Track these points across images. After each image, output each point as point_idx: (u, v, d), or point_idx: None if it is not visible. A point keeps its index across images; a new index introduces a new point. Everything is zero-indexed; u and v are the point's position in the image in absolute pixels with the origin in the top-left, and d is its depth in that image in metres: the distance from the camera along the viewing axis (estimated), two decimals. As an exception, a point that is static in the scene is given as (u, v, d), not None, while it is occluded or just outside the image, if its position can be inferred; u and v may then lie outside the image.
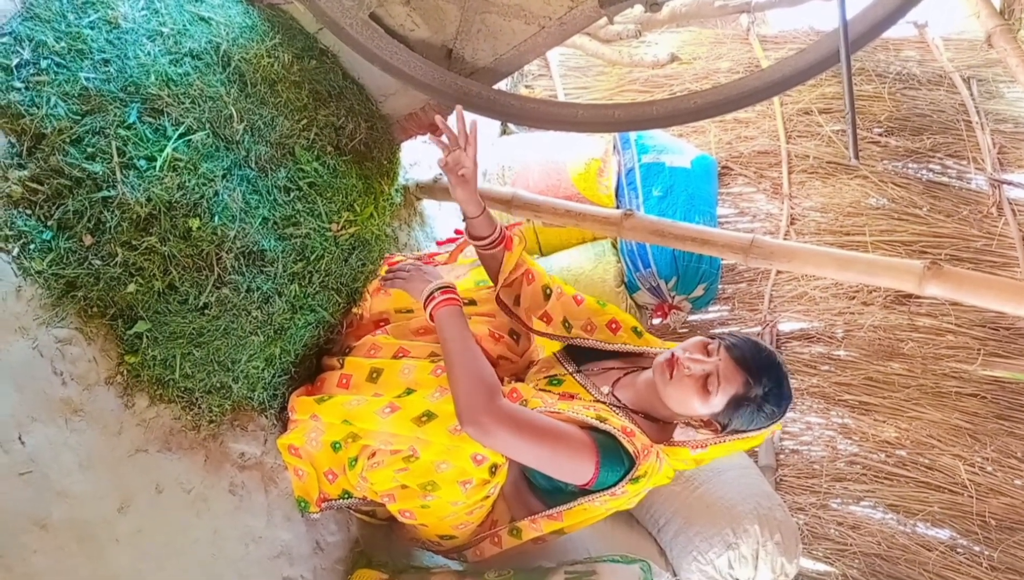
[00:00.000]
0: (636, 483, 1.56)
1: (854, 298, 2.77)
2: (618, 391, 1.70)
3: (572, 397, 1.68)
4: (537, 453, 1.49)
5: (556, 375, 1.76)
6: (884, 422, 2.71)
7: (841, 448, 2.80)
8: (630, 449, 1.54)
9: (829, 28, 1.46)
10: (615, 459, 1.53)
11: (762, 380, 1.54)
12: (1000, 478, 2.53)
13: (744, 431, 1.60)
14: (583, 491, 1.58)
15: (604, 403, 1.66)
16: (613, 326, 1.82)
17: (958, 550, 2.58)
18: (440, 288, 1.62)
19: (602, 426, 1.55)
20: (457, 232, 2.10)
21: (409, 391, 1.56)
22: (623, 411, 1.64)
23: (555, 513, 1.66)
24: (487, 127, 3.07)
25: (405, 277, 1.74)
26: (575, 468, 1.52)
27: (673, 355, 1.59)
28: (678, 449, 1.66)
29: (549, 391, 1.70)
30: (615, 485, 1.54)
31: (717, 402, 1.54)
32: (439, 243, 2.22)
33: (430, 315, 1.61)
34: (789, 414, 2.87)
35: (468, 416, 1.45)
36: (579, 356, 1.82)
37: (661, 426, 1.67)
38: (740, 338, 1.60)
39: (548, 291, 1.83)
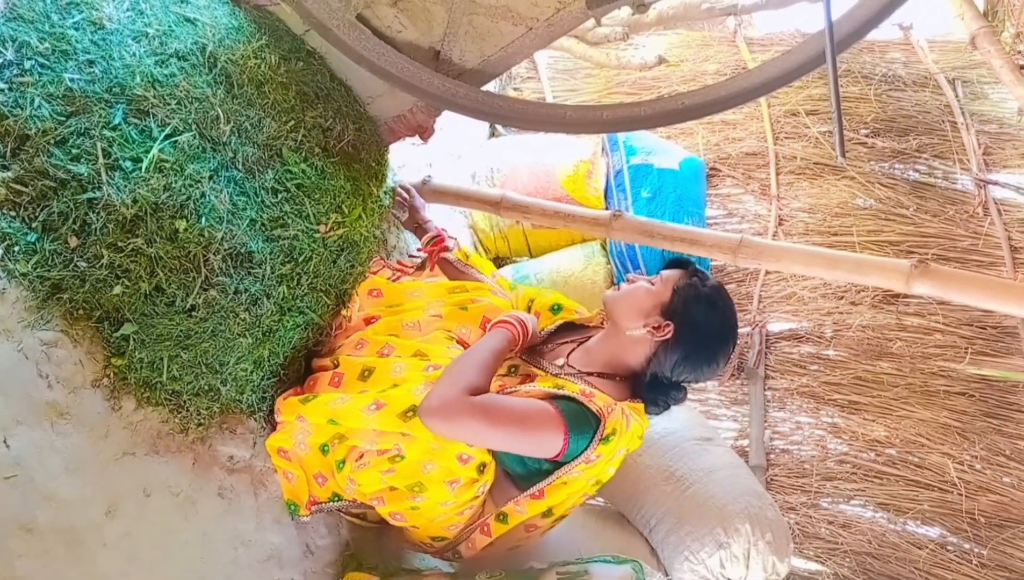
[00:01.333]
0: (607, 443, 1.57)
1: (843, 298, 2.78)
2: (572, 361, 1.75)
3: (531, 378, 1.71)
4: (504, 435, 1.50)
5: (512, 364, 1.79)
6: (873, 421, 2.72)
7: (831, 447, 2.80)
8: (592, 408, 1.57)
9: (815, 30, 1.47)
10: (581, 422, 1.56)
11: (702, 275, 1.70)
12: (989, 475, 2.54)
13: (693, 351, 1.65)
14: (556, 464, 1.59)
15: (561, 376, 1.70)
16: (555, 309, 1.91)
17: (948, 548, 2.59)
18: (522, 319, 1.73)
19: (561, 392, 1.59)
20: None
21: (395, 386, 1.56)
22: (579, 377, 1.69)
23: (536, 491, 1.65)
24: (475, 130, 3.07)
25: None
26: (545, 441, 1.54)
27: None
28: (638, 404, 1.68)
29: (508, 377, 1.73)
30: (586, 449, 1.56)
31: (661, 288, 1.68)
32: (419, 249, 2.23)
33: (494, 322, 1.73)
34: (779, 414, 2.89)
35: (432, 405, 1.46)
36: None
37: (620, 383, 1.71)
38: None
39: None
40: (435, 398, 1.47)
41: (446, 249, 2.03)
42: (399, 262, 2.08)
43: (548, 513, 1.71)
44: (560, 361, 1.76)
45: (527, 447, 1.57)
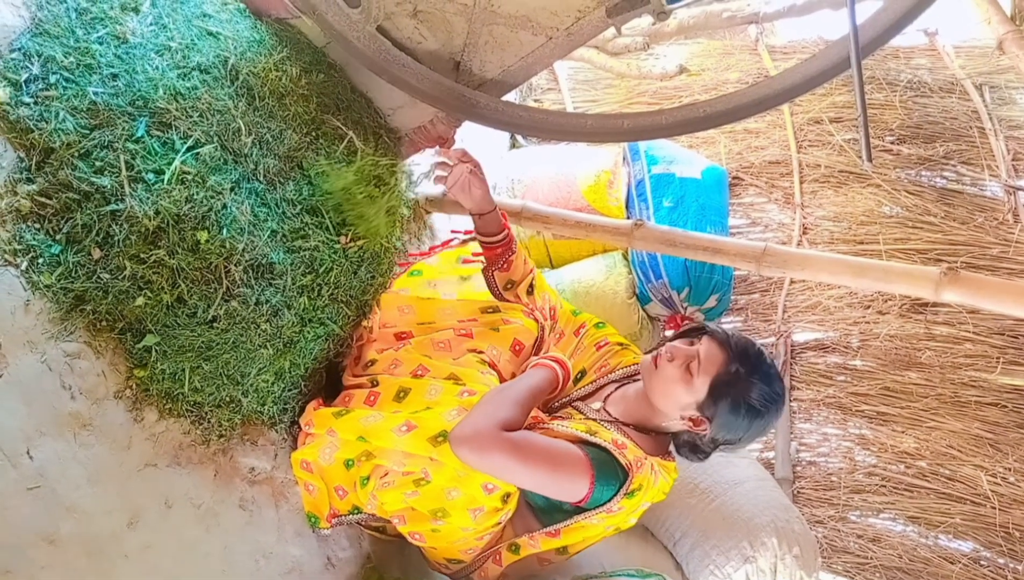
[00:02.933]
0: (631, 497, 1.54)
1: (869, 307, 2.74)
2: (609, 406, 1.71)
3: (565, 418, 1.68)
4: (531, 475, 1.48)
5: (548, 400, 1.76)
6: (903, 433, 2.67)
7: (859, 459, 2.76)
8: (622, 461, 1.54)
9: (838, 37, 1.45)
10: (609, 473, 1.53)
11: (744, 358, 1.55)
12: (1023, 488, 2.48)
13: (732, 437, 1.58)
14: (578, 509, 1.57)
15: (595, 420, 1.66)
16: (600, 346, 1.85)
17: (981, 563, 2.53)
18: (566, 365, 1.71)
19: (593, 439, 1.55)
20: (454, 231, 2.10)
21: (428, 408, 1.54)
22: (615, 425, 1.64)
23: (552, 531, 1.65)
24: (496, 141, 3.07)
25: None
26: (570, 486, 1.51)
27: (657, 351, 1.63)
28: (669, 463, 1.65)
29: (543, 410, 1.72)
30: (610, 501, 1.53)
31: (699, 384, 1.54)
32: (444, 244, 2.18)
33: (537, 361, 1.70)
34: (805, 425, 2.84)
35: (463, 434, 1.44)
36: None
37: (654, 438, 1.67)
38: (722, 329, 1.61)
39: (552, 328, 1.90)
40: (468, 427, 1.45)
41: (511, 256, 1.83)
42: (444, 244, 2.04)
43: (562, 551, 1.70)
44: (597, 405, 1.72)
45: (552, 489, 1.54)
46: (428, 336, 1.76)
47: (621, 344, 1.87)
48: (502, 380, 1.69)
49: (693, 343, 1.61)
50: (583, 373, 1.83)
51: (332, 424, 1.58)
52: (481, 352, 1.71)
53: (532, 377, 1.64)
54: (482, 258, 1.85)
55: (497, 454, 1.43)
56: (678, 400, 1.58)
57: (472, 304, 1.86)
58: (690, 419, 1.59)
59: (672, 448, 1.72)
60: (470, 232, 1.98)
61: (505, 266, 1.83)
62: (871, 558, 2.67)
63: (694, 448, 1.67)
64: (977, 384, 2.59)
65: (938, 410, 2.62)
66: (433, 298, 1.87)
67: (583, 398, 1.78)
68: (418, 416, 1.52)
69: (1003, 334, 2.56)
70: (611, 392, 1.75)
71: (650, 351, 1.69)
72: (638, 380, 1.72)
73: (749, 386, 1.54)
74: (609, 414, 1.69)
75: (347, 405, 1.64)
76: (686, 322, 2.73)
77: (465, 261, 1.97)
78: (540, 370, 1.67)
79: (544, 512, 1.66)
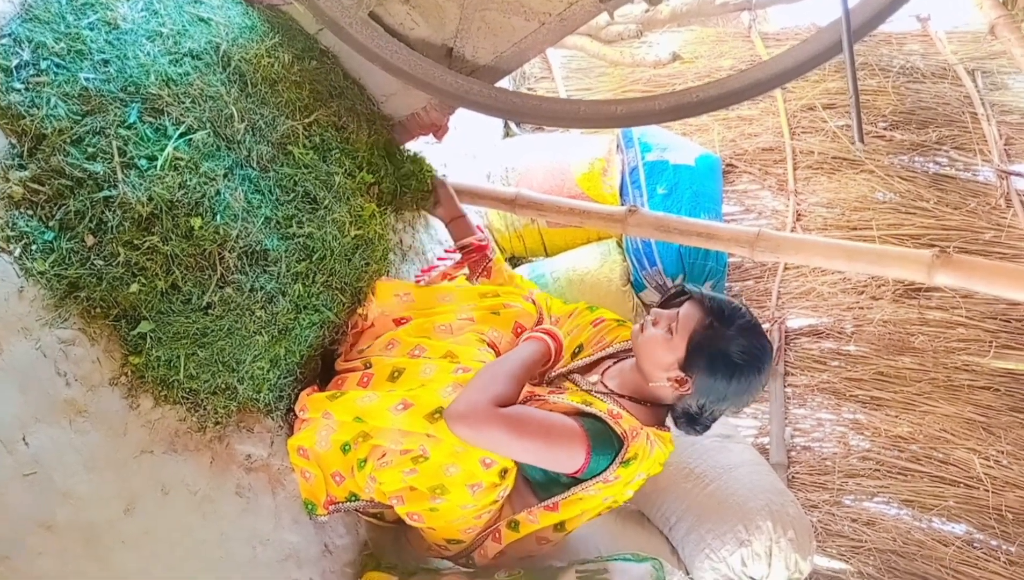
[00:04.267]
0: (627, 466, 1.56)
1: (863, 293, 2.75)
2: (606, 379, 1.74)
3: (561, 389, 1.71)
4: (527, 447, 1.51)
5: (543, 372, 1.78)
6: (896, 417, 2.69)
7: (853, 444, 2.77)
8: (617, 430, 1.57)
9: (830, 22, 1.45)
10: (604, 442, 1.55)
11: (719, 316, 1.59)
12: (1016, 471, 2.50)
13: (716, 396, 1.60)
14: (575, 480, 1.58)
15: (592, 393, 1.68)
16: (597, 323, 1.88)
17: (975, 545, 2.55)
18: (558, 337, 1.73)
19: (588, 409, 1.58)
20: (448, 251, 2.14)
21: (423, 386, 1.55)
22: (610, 397, 1.67)
23: (551, 504, 1.66)
24: (489, 128, 3.06)
25: None
26: (567, 457, 1.54)
27: (644, 318, 1.68)
28: (665, 433, 1.66)
29: (538, 384, 1.73)
30: (606, 470, 1.55)
31: (678, 341, 1.59)
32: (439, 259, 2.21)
33: (529, 334, 1.72)
34: (799, 410, 2.86)
35: (459, 410, 1.47)
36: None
37: (650, 409, 1.69)
38: (703, 292, 1.65)
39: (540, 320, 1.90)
40: (462, 404, 1.48)
41: (488, 262, 1.98)
42: (429, 269, 2.09)
43: (560, 527, 1.71)
44: (594, 378, 1.75)
45: (548, 461, 1.57)
46: (430, 319, 1.77)
47: (618, 321, 1.89)
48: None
49: (674, 307, 1.67)
50: (580, 348, 1.84)
51: (327, 406, 1.58)
52: (482, 334, 1.73)
53: (524, 350, 1.66)
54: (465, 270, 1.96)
55: (493, 429, 1.46)
56: (660, 360, 1.61)
57: (471, 290, 1.88)
58: (675, 380, 1.61)
59: (670, 422, 1.74)
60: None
61: (486, 273, 1.95)
62: (865, 541, 2.69)
63: (690, 419, 1.68)
64: (970, 368, 2.60)
65: (931, 394, 2.64)
66: (432, 286, 1.90)
67: (580, 370, 1.79)
68: (414, 394, 1.53)
69: (996, 318, 2.57)
70: (608, 366, 1.77)
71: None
72: (631, 354, 1.75)
73: (726, 339, 1.58)
74: (606, 386, 1.71)
75: (340, 388, 1.65)
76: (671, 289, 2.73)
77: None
78: (532, 343, 1.69)
79: (542, 486, 1.67)
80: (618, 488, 1.62)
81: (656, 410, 1.70)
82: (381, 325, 1.79)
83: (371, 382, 1.62)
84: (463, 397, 1.48)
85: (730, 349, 1.57)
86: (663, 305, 1.74)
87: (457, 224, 2.01)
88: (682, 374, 1.60)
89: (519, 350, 1.67)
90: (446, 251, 2.17)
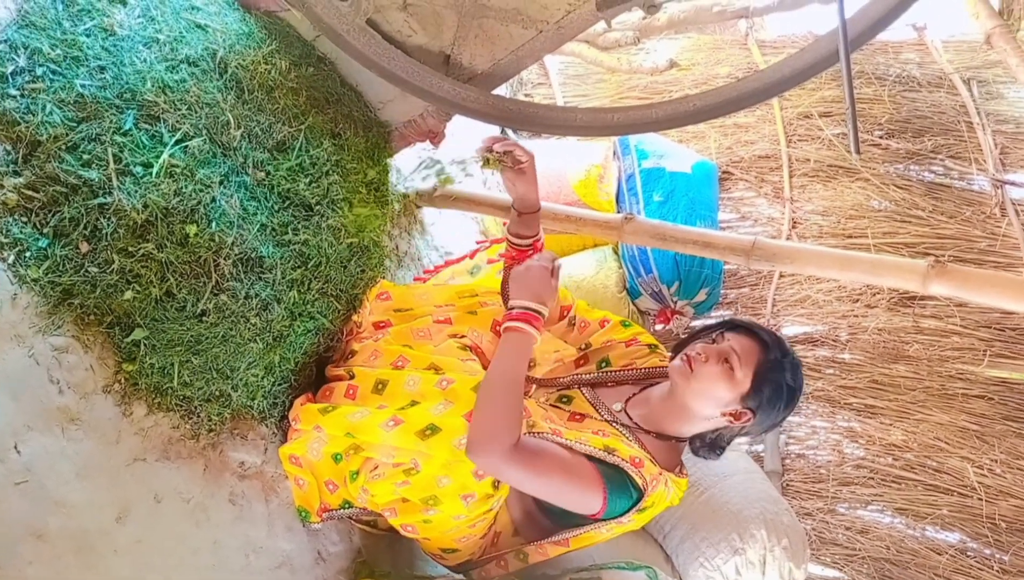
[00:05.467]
0: (643, 513, 1.56)
1: (858, 301, 2.75)
2: (631, 408, 1.70)
3: (582, 417, 1.67)
4: (545, 489, 1.50)
5: (566, 394, 1.75)
6: (891, 425, 2.69)
7: (847, 452, 2.77)
8: (638, 481, 1.53)
9: (827, 32, 1.46)
10: (623, 492, 1.52)
11: (775, 342, 1.56)
12: (1009, 480, 2.50)
13: (769, 423, 1.59)
14: (590, 519, 1.57)
15: (614, 423, 1.65)
16: (631, 343, 1.83)
17: (968, 553, 2.55)
18: (532, 310, 1.54)
19: (610, 459, 1.53)
20: (479, 242, 2.11)
21: (414, 403, 1.53)
22: (633, 432, 1.63)
23: (561, 539, 1.66)
24: (486, 135, 3.06)
25: (523, 272, 1.61)
26: (583, 502, 1.51)
27: (686, 354, 1.59)
28: (682, 480, 1.65)
29: (558, 409, 1.70)
30: (623, 515, 1.54)
31: (742, 377, 1.54)
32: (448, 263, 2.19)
33: (505, 326, 1.55)
34: (793, 418, 2.86)
35: (481, 448, 1.41)
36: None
37: (671, 448, 1.66)
38: (735, 319, 1.61)
39: (572, 319, 1.89)
40: (478, 450, 1.41)
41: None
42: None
43: (565, 552, 1.71)
44: (617, 406, 1.70)
45: (565, 503, 1.54)
46: (408, 325, 1.74)
47: (651, 346, 1.84)
48: (485, 364, 1.64)
49: (715, 340, 1.60)
50: (607, 362, 1.82)
51: (318, 420, 1.57)
52: (463, 337, 1.69)
53: (509, 358, 1.53)
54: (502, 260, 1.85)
55: (510, 469, 1.42)
56: (721, 398, 1.56)
57: (449, 289, 1.85)
58: (731, 414, 1.58)
59: (684, 456, 1.72)
60: (497, 240, 2.00)
61: None
62: (859, 550, 2.69)
63: (713, 446, 1.67)
64: (964, 377, 2.60)
65: (925, 403, 2.64)
66: (409, 285, 1.87)
67: (597, 384, 1.77)
68: (404, 413, 1.51)
69: (990, 327, 2.57)
70: (633, 394, 1.73)
71: (674, 356, 1.65)
72: (659, 383, 1.72)
73: (786, 368, 1.56)
74: (630, 418, 1.67)
75: (328, 399, 1.63)
76: (676, 316, 2.74)
77: (490, 261, 1.99)
78: (512, 341, 1.55)
79: (556, 515, 1.66)
80: (629, 527, 1.62)
81: (676, 449, 1.67)
82: (363, 327, 1.79)
83: (357, 394, 1.60)
84: (475, 440, 1.42)
85: (789, 377, 1.56)
86: (695, 339, 1.66)
87: (535, 217, 1.80)
88: (742, 408, 1.57)
89: (506, 359, 1.53)
90: (477, 242, 2.12)
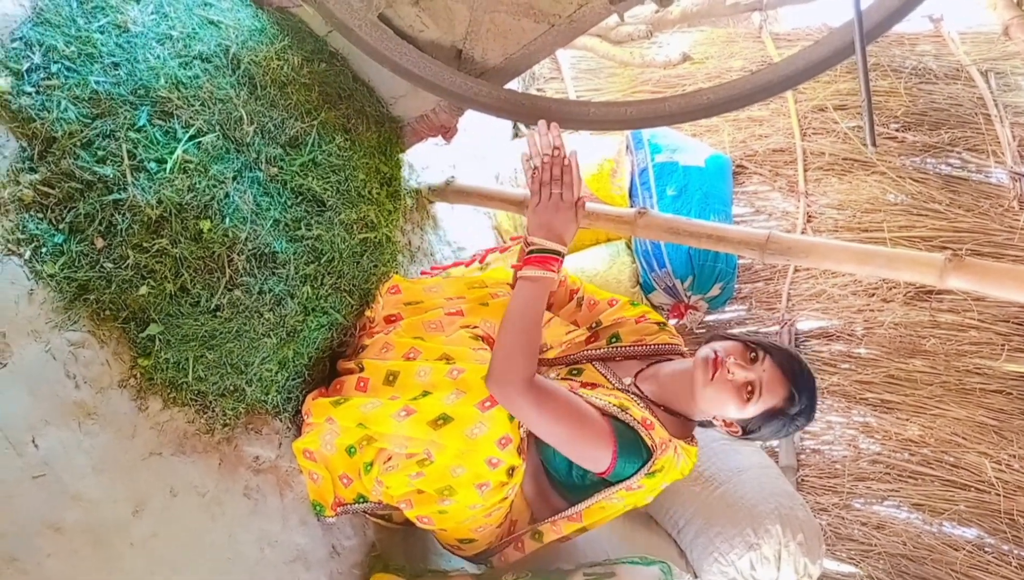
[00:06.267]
0: (652, 477, 1.55)
1: (874, 295, 2.73)
2: (640, 382, 1.71)
3: (593, 386, 1.68)
4: (556, 431, 1.50)
5: (577, 366, 1.76)
6: (907, 420, 2.67)
7: (863, 447, 2.75)
8: (648, 442, 1.55)
9: (842, 23, 1.44)
10: (633, 450, 1.54)
11: (802, 398, 1.55)
12: (1027, 475, 2.48)
13: (759, 439, 1.62)
14: (599, 483, 1.58)
15: (625, 391, 1.66)
16: (640, 320, 1.86)
17: (986, 549, 2.53)
18: (553, 251, 1.51)
19: (622, 415, 1.56)
20: (513, 239, 2.11)
21: (425, 393, 1.54)
22: (644, 402, 1.64)
23: (574, 514, 1.66)
24: (498, 130, 3.06)
25: (546, 200, 1.57)
26: (593, 455, 1.52)
27: (716, 356, 1.58)
28: (692, 447, 1.65)
29: (569, 380, 1.70)
30: (631, 477, 1.54)
31: (752, 410, 1.55)
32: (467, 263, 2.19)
33: (520, 274, 1.53)
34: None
35: (498, 378, 1.47)
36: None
37: (681, 421, 1.67)
38: (783, 350, 1.60)
39: (580, 300, 1.90)
40: (495, 383, 1.48)
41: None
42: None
43: (581, 530, 1.71)
44: (628, 379, 1.71)
45: (574, 452, 1.55)
46: (419, 317, 1.75)
47: (659, 323, 1.87)
48: None
49: (755, 359, 1.57)
50: (617, 338, 1.83)
51: (331, 412, 1.58)
52: (475, 327, 1.69)
53: (526, 298, 1.52)
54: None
55: (525, 406, 1.46)
56: (725, 412, 1.58)
57: (459, 281, 1.85)
58: (724, 422, 1.61)
59: (696, 431, 1.73)
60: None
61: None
62: (875, 545, 2.67)
63: (705, 425, 1.70)
64: (982, 371, 2.58)
65: (942, 398, 2.62)
66: (418, 279, 1.88)
67: (607, 359, 1.78)
68: (417, 402, 1.52)
69: (1008, 321, 2.55)
70: (641, 369, 1.75)
71: (707, 342, 1.64)
72: (671, 360, 1.74)
73: (796, 424, 1.59)
74: (640, 390, 1.69)
75: (340, 392, 1.64)
76: (690, 311, 2.72)
77: (501, 251, 2.03)
78: (528, 287, 1.52)
79: (566, 487, 1.67)
80: (640, 495, 1.61)
81: (687, 423, 1.69)
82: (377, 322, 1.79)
83: (368, 386, 1.60)
84: (495, 374, 1.48)
85: (799, 422, 1.59)
86: (739, 341, 1.63)
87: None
88: (736, 426, 1.60)
89: (524, 299, 1.52)
90: (511, 239, 2.12)
